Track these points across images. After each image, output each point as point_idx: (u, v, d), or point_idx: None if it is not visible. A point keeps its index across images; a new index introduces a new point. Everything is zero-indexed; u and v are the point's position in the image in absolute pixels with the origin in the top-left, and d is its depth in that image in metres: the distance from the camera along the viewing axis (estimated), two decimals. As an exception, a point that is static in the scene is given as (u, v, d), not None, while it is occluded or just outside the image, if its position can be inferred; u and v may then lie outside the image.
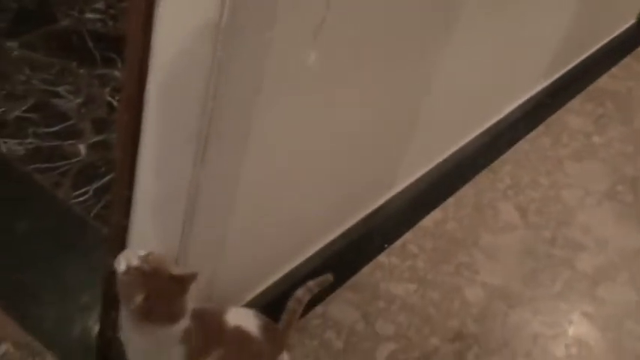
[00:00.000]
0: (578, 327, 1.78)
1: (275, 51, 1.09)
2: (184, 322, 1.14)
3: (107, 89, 2.09)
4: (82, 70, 2.13)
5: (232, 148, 1.17)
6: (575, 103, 2.62)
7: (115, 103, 2.04)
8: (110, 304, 1.35)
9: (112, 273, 1.30)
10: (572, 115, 2.55)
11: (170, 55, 1.05)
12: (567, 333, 1.75)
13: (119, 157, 1.18)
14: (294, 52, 1.16)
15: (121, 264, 1.10)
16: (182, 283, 1.12)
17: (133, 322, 1.12)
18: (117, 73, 2.13)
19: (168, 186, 1.17)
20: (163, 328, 1.12)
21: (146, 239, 1.23)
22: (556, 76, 2.60)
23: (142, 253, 1.11)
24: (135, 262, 1.09)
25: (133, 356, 1.20)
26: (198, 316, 1.17)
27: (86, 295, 1.52)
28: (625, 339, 1.77)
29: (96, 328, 1.44)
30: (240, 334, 1.23)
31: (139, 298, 1.07)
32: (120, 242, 1.23)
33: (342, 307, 1.66)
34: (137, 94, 1.10)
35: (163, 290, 1.10)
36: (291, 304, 1.38)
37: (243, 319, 1.27)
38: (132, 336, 1.16)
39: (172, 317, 1.12)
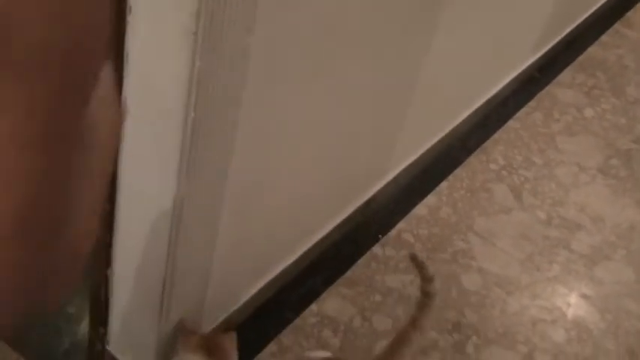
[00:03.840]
0: (576, 310, 1.76)
1: (261, 38, 1.03)
2: None
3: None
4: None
5: (217, 152, 1.12)
6: (565, 75, 2.57)
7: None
8: (98, 319, 1.30)
9: (100, 286, 1.26)
10: (563, 89, 2.50)
11: (149, 53, 0.99)
12: (566, 317, 1.73)
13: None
14: (282, 41, 1.10)
15: None
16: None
17: None
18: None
19: (151, 199, 1.12)
20: None
21: (131, 254, 1.18)
22: (545, 48, 2.55)
23: None
24: None
25: None
26: None
27: (73, 306, 1.47)
28: (624, 319, 1.75)
29: (86, 341, 1.39)
30: None
31: None
32: (105, 260, 1.18)
33: (337, 303, 1.63)
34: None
35: None
36: None
37: None
38: None
39: None
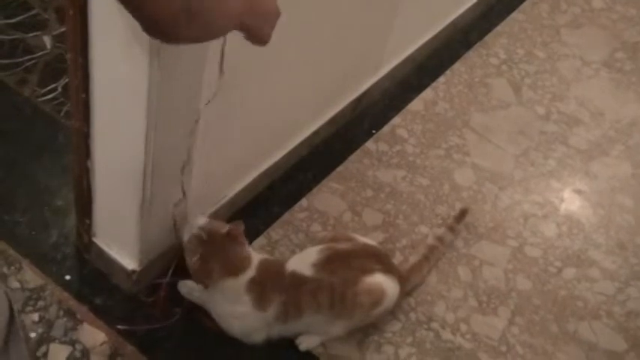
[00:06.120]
0: (569, 205, 1.75)
1: None
2: (249, 273, 1.24)
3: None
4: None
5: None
6: (575, -37, 2.44)
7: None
8: (83, 211, 1.30)
9: (82, 178, 1.24)
10: (572, -22, 2.38)
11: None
12: (558, 211, 1.72)
13: (71, 57, 1.08)
14: None
15: (185, 235, 1.22)
16: (233, 237, 1.22)
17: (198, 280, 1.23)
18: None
19: (127, 88, 1.08)
20: (227, 281, 1.22)
21: (110, 144, 1.16)
22: None
23: (202, 221, 1.22)
24: (195, 231, 1.21)
25: (213, 309, 1.30)
26: (263, 266, 1.26)
27: (60, 199, 1.47)
28: (616, 213, 1.74)
29: (73, 234, 1.40)
30: (296, 278, 1.28)
31: (194, 260, 1.20)
32: (85, 151, 1.16)
33: (327, 198, 1.61)
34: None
35: (218, 249, 1.21)
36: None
37: (299, 263, 1.31)
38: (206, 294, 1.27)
39: (233, 271, 1.22)
